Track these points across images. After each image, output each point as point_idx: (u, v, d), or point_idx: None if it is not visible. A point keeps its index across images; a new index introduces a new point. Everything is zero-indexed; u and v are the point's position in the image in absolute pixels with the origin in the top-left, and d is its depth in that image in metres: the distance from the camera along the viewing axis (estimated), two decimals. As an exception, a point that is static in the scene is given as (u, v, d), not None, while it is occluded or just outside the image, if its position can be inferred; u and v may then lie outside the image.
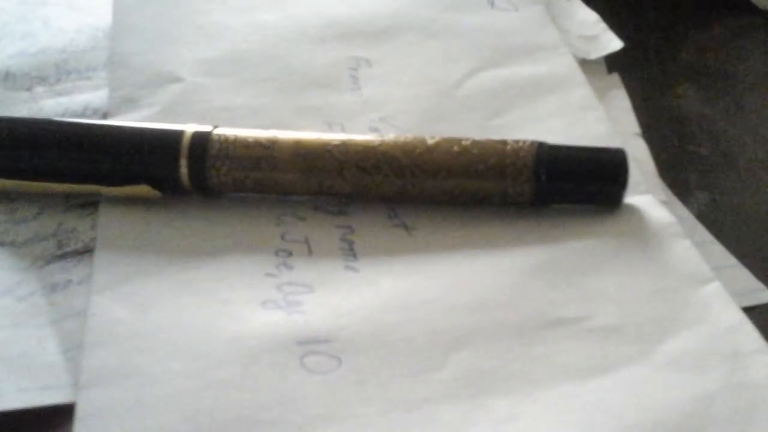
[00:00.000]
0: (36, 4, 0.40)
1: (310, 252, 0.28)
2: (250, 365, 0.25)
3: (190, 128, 0.30)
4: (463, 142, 0.29)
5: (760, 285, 0.29)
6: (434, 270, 0.28)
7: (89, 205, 0.30)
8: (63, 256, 0.29)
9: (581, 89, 0.35)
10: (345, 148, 0.29)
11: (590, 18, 0.39)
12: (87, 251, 0.29)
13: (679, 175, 0.33)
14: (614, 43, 0.37)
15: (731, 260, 0.30)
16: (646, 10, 0.43)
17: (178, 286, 0.27)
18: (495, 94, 0.35)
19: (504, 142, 0.29)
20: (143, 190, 0.30)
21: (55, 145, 0.30)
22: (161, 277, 0.28)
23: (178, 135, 0.30)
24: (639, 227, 0.29)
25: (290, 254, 0.28)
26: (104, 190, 0.30)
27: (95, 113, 0.34)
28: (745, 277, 0.29)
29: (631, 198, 0.29)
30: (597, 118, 0.33)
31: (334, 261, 0.28)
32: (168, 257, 0.28)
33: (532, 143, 0.29)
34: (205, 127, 0.30)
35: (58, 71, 0.36)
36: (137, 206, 0.30)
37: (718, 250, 0.30)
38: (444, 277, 0.27)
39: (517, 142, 0.29)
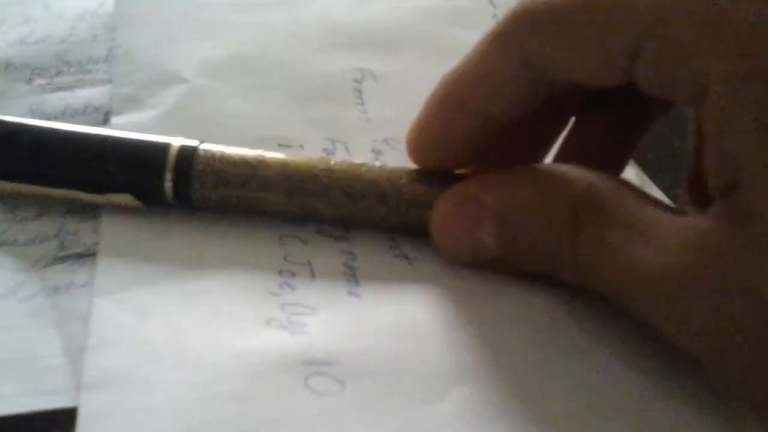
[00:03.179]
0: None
1: (312, 274, 0.28)
2: (254, 381, 0.24)
3: (177, 142, 0.29)
4: None
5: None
6: (436, 304, 0.27)
7: (91, 208, 0.30)
8: (65, 259, 0.28)
9: None
10: (331, 173, 0.29)
11: None
12: (89, 254, 0.28)
13: (678, 174, 0.33)
14: None
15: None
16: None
17: (180, 297, 0.27)
18: None
19: None
20: (125, 198, 0.29)
21: (41, 149, 0.29)
22: (163, 285, 0.27)
23: (164, 148, 0.29)
24: None
25: (293, 275, 0.28)
26: (85, 196, 0.29)
27: (97, 111, 0.34)
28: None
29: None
30: None
31: (337, 285, 0.28)
32: (170, 267, 0.28)
33: None
34: (192, 142, 0.29)
35: (58, 62, 0.35)
36: (140, 214, 0.29)
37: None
38: (445, 312, 0.27)
39: None
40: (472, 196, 0.28)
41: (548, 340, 0.27)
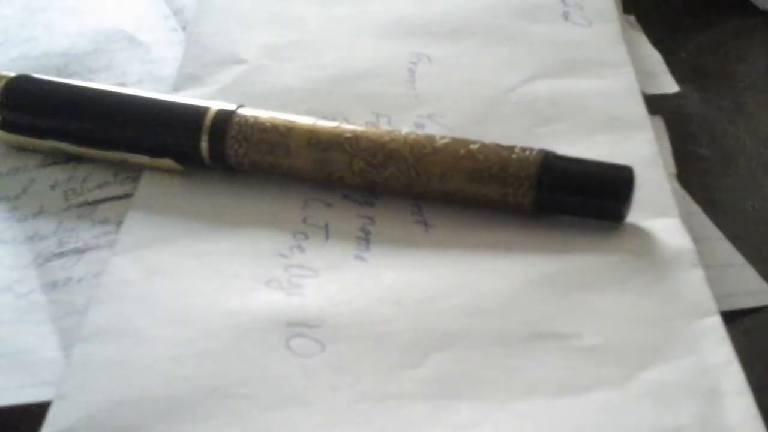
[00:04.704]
0: (38, 9, 0.40)
1: (326, 237, 0.28)
2: (237, 340, 0.25)
3: (215, 106, 0.30)
4: (471, 146, 0.28)
5: (765, 286, 0.27)
6: (440, 268, 0.27)
7: (87, 204, 0.30)
8: (63, 254, 0.28)
9: (636, 108, 0.33)
10: (356, 141, 0.29)
11: (653, 56, 0.37)
12: (87, 249, 0.28)
13: (679, 175, 0.32)
14: (671, 87, 0.36)
15: (739, 259, 0.28)
16: (646, 10, 0.41)
17: (194, 256, 0.27)
18: (547, 103, 0.33)
19: (511, 149, 0.28)
20: (166, 163, 0.30)
21: (86, 111, 0.31)
22: (181, 245, 0.28)
23: (202, 112, 0.30)
24: (651, 250, 0.27)
25: (306, 237, 0.28)
26: (130, 157, 0.30)
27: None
28: (751, 277, 0.27)
29: (652, 220, 0.27)
30: (644, 139, 0.31)
31: (347, 249, 0.28)
32: (192, 228, 0.29)
33: (539, 152, 0.28)
34: (229, 106, 0.30)
35: (59, 74, 0.35)
36: (175, 177, 0.30)
37: (725, 247, 0.28)
38: (447, 277, 0.26)
39: (524, 150, 0.28)
40: None
41: (540, 315, 0.25)
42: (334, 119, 0.30)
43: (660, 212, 0.28)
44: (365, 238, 0.28)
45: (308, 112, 0.30)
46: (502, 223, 0.28)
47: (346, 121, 0.31)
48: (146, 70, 0.36)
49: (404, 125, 0.31)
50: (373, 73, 0.35)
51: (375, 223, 0.28)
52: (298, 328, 0.25)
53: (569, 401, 0.23)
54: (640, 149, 0.31)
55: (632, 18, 0.39)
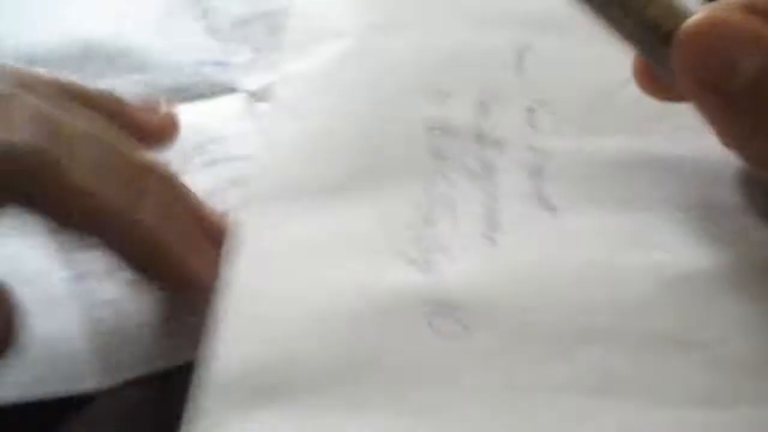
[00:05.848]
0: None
1: (452, 214, 0.27)
2: (381, 312, 0.24)
3: None
4: None
5: None
6: (576, 259, 0.26)
7: None
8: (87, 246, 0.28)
9: None
10: None
11: None
12: None
13: None
14: None
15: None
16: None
17: (323, 225, 0.27)
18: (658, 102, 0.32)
19: None
20: None
21: None
22: (310, 214, 0.28)
23: None
24: None
25: (432, 212, 0.27)
26: None
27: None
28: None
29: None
30: None
31: (474, 227, 0.27)
32: (318, 192, 0.28)
33: None
34: None
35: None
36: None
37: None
38: (585, 270, 0.26)
39: None
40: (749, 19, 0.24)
41: (690, 317, 0.24)
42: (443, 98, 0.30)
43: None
44: (492, 217, 0.27)
45: (416, 90, 0.30)
46: (640, 210, 0.27)
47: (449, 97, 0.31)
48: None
49: (514, 109, 0.31)
50: (478, 57, 0.34)
51: (498, 201, 0.28)
52: (439, 307, 0.24)
53: (719, 415, 0.22)
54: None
55: None
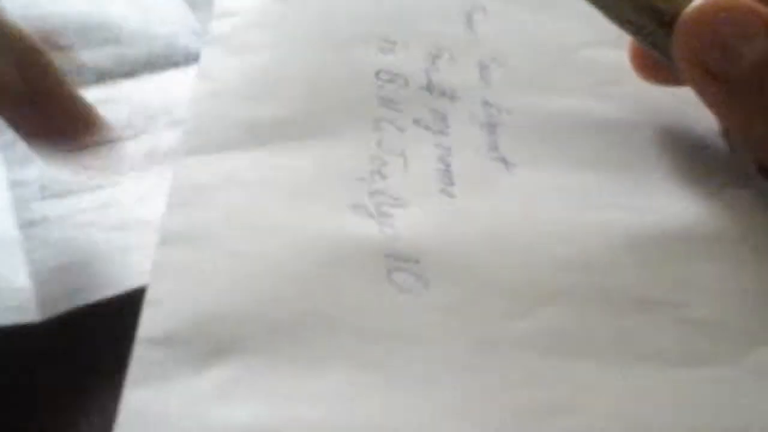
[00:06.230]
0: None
1: (405, 165, 0.27)
2: (335, 264, 0.23)
3: None
4: None
5: None
6: (535, 216, 0.26)
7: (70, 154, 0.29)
8: (44, 198, 0.29)
9: None
10: None
11: None
12: (69, 193, 0.29)
13: None
14: None
15: None
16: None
17: (271, 166, 0.26)
18: (614, 67, 0.31)
19: None
20: None
21: None
22: (251, 155, 0.26)
23: None
24: None
25: (385, 163, 0.26)
26: None
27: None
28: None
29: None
30: None
31: (430, 180, 0.26)
32: (259, 134, 0.27)
33: None
34: None
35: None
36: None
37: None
38: (546, 228, 0.25)
39: None
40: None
41: (652, 278, 0.24)
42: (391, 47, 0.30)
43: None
44: (447, 171, 0.27)
45: (363, 38, 0.30)
46: (593, 170, 0.27)
47: (407, 48, 0.30)
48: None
49: (466, 64, 0.30)
50: (428, 13, 0.33)
51: (452, 155, 0.27)
52: (398, 261, 0.24)
53: (685, 373, 0.22)
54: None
55: None
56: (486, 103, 0.29)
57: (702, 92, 0.25)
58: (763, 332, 0.23)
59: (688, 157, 0.28)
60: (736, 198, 0.26)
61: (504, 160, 0.27)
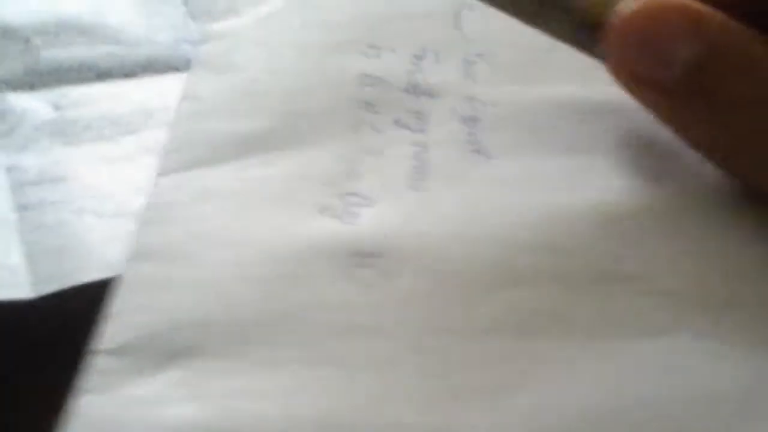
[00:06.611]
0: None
1: (380, 165, 0.27)
2: (297, 266, 0.24)
3: None
4: None
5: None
6: (507, 201, 0.26)
7: (69, 144, 0.31)
8: (40, 183, 0.30)
9: None
10: None
11: None
12: (65, 180, 0.30)
13: None
14: None
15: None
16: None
17: (242, 179, 0.27)
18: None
19: None
20: None
21: None
22: (228, 167, 0.27)
23: None
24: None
25: (361, 163, 0.27)
26: None
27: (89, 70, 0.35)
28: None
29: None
30: None
31: (402, 178, 0.26)
32: (236, 148, 0.28)
33: None
34: None
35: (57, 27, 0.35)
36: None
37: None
38: (514, 214, 0.25)
39: None
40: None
41: (615, 255, 0.24)
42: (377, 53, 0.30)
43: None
44: (421, 167, 0.27)
45: (348, 46, 0.30)
46: (571, 155, 0.27)
47: (393, 51, 0.31)
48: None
49: (452, 62, 0.31)
50: (415, 16, 0.33)
51: (429, 151, 0.27)
52: (360, 258, 0.24)
53: (646, 343, 0.22)
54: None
55: None
56: (470, 98, 0.29)
57: (642, 102, 0.24)
58: (727, 299, 0.23)
59: (664, 138, 0.27)
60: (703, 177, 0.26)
61: (482, 152, 0.27)
